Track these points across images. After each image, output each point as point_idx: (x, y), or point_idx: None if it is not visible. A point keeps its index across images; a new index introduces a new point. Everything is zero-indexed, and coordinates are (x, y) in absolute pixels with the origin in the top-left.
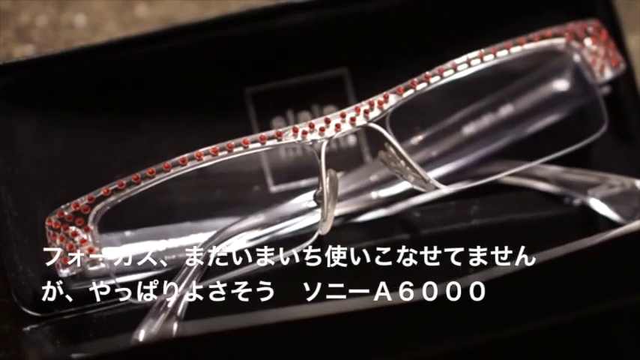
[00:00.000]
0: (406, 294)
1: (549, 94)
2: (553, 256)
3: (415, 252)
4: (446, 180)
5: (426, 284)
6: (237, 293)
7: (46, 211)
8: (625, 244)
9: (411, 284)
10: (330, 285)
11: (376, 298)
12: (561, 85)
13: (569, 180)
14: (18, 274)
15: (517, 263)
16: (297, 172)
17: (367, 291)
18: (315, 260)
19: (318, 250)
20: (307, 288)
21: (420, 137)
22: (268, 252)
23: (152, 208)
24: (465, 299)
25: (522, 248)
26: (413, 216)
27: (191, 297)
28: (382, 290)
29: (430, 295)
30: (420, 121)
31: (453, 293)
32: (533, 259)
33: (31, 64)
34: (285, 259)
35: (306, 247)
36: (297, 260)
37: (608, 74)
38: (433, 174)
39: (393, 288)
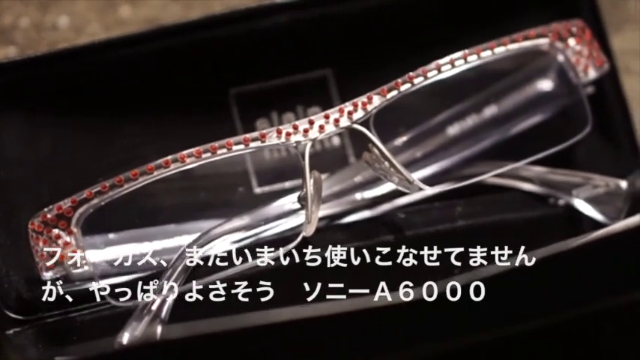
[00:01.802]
0: (384, 297)
1: (533, 94)
2: (538, 257)
3: (399, 253)
4: (430, 181)
5: (402, 285)
6: (221, 295)
7: (30, 213)
8: (610, 245)
9: (393, 285)
10: (315, 286)
11: (356, 301)
12: (545, 85)
13: (553, 180)
14: (1, 277)
15: (502, 264)
16: (282, 174)
17: (350, 292)
18: (299, 262)
19: (302, 251)
20: (291, 290)
21: (404, 138)
22: (252, 254)
23: (136, 211)
24: (446, 300)
25: (507, 249)
26: (397, 217)
27: (175, 299)
28: (363, 293)
29: (407, 296)
30: (404, 121)
31: (432, 294)
32: (518, 261)
33: (15, 66)
34: (269, 261)
35: (291, 249)
36: (282, 262)
37: (592, 74)
38: (417, 175)
39: (375, 289)
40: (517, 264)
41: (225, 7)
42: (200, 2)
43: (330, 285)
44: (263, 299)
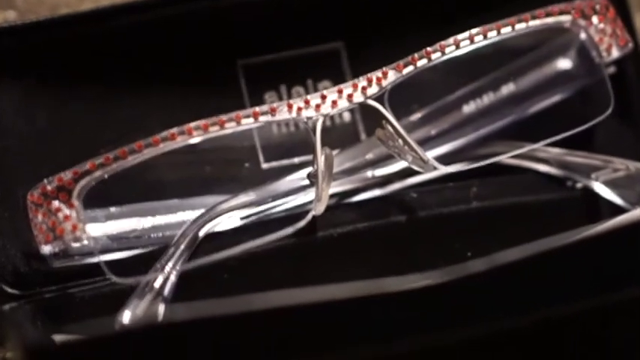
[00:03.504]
0: (402, 280)
1: (553, 72)
2: (556, 244)
3: (411, 234)
4: (445, 160)
5: (413, 269)
6: (227, 274)
7: (27, 184)
8: (630, 234)
9: (405, 267)
10: (325, 268)
11: (372, 285)
12: (566, 63)
13: (571, 162)
14: None
15: (519, 251)
16: (290, 149)
17: (363, 275)
18: (308, 240)
19: (313, 230)
20: (300, 270)
21: (418, 115)
22: (260, 232)
23: (139, 184)
24: (464, 287)
25: (523, 234)
26: (410, 197)
27: (178, 277)
28: (378, 276)
29: (429, 282)
30: (418, 98)
31: (452, 281)
32: (537, 248)
33: (12, 32)
34: (278, 240)
35: (300, 228)
36: (291, 240)
37: (615, 53)
38: (431, 153)
39: (390, 272)
40: (534, 251)
41: None
42: None
43: (339, 266)
44: (270, 279)
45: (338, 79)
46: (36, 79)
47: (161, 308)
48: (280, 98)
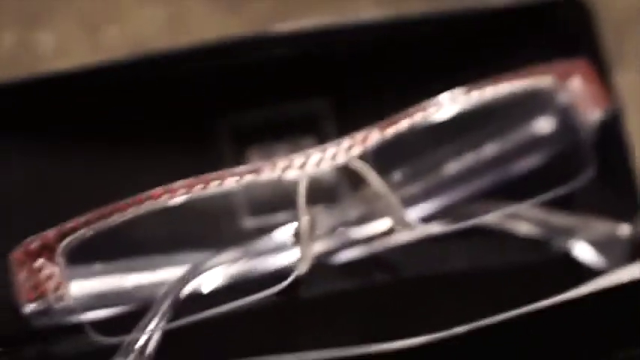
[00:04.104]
0: (386, 345)
1: (534, 134)
2: (537, 308)
3: (394, 296)
4: (427, 219)
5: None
6: (210, 333)
7: (8, 241)
8: (612, 296)
9: (387, 330)
10: (307, 329)
11: (355, 350)
12: (547, 125)
13: (553, 223)
14: None
15: (502, 315)
16: (273, 205)
17: (346, 337)
18: (292, 301)
19: (296, 289)
20: (283, 331)
21: (401, 174)
22: (243, 291)
23: (122, 240)
24: (447, 350)
25: (506, 295)
26: (393, 257)
27: (161, 335)
28: (362, 337)
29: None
30: (401, 156)
31: (435, 343)
32: (518, 311)
33: None
34: (261, 300)
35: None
36: (274, 300)
37: (596, 115)
38: (415, 212)
39: (373, 333)
40: (517, 314)
41: (216, 33)
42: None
43: (322, 327)
44: (252, 339)
45: (321, 136)
46: (16, 138)
47: None
48: (263, 155)
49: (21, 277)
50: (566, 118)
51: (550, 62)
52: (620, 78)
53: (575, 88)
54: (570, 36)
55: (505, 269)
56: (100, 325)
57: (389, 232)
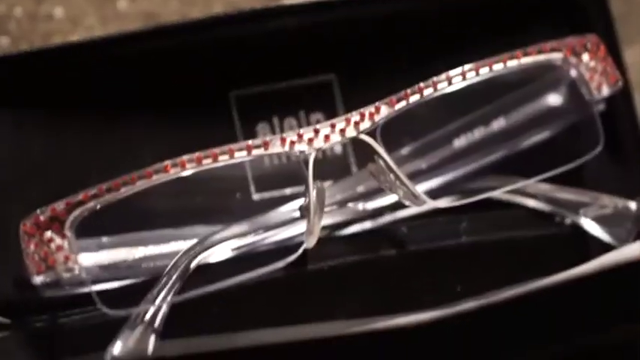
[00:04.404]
0: (391, 319)
1: (543, 109)
2: (545, 283)
3: (401, 269)
4: (435, 194)
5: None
6: (218, 306)
7: (18, 212)
8: (620, 272)
9: (394, 304)
10: (314, 301)
11: (361, 323)
12: (556, 100)
13: (560, 198)
14: None
15: (508, 291)
16: (281, 180)
17: (352, 309)
18: (299, 274)
19: (303, 263)
20: (291, 304)
21: (409, 149)
22: (252, 264)
23: (131, 214)
24: (454, 326)
25: (513, 269)
26: (400, 231)
27: (169, 308)
28: (368, 310)
29: (418, 321)
30: (410, 131)
31: (442, 319)
32: (524, 288)
33: (5, 62)
34: (269, 273)
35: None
36: (282, 273)
37: (606, 91)
38: (422, 187)
39: (379, 306)
40: (523, 291)
41: (225, 4)
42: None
43: (329, 300)
44: (260, 312)
45: (330, 111)
46: (28, 109)
47: (152, 340)
48: (272, 130)
49: (30, 248)
50: (576, 93)
51: (560, 38)
52: (630, 54)
53: (585, 63)
54: (581, 12)
55: (512, 244)
56: (108, 297)
57: (397, 206)
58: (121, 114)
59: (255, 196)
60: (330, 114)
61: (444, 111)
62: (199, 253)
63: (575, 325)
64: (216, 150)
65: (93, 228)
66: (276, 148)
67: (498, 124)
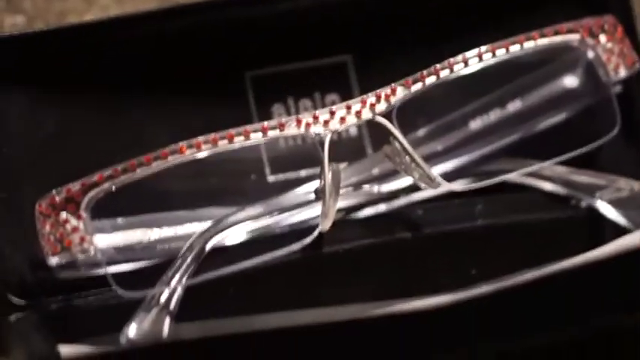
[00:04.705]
0: (409, 302)
1: (560, 90)
2: (561, 267)
3: (416, 251)
4: (451, 176)
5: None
6: (234, 288)
7: (34, 192)
8: (635, 256)
9: (409, 286)
10: (330, 284)
11: (378, 306)
12: (573, 82)
13: (576, 181)
14: (3, 259)
15: (525, 273)
16: (296, 162)
17: (368, 292)
18: (315, 256)
19: (319, 246)
20: (306, 286)
21: (425, 131)
22: (267, 246)
23: (146, 195)
24: (470, 309)
25: (529, 252)
26: (416, 213)
27: (185, 290)
28: (384, 293)
29: (436, 305)
30: (425, 113)
31: (458, 303)
32: (542, 271)
33: (21, 41)
34: (284, 256)
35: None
36: (297, 256)
37: (623, 73)
38: (437, 169)
39: (395, 289)
40: (539, 274)
41: None
42: None
43: (345, 282)
44: (276, 294)
45: (345, 92)
46: (43, 88)
47: (167, 322)
48: (288, 111)
49: (46, 229)
50: (593, 75)
51: (577, 19)
52: None
53: (602, 45)
54: None
55: (528, 227)
56: (123, 279)
57: (412, 188)
58: (136, 94)
59: (270, 178)
60: (346, 95)
61: (459, 93)
62: (214, 235)
63: (592, 308)
64: (232, 131)
65: (108, 209)
66: (291, 129)
67: (514, 106)
